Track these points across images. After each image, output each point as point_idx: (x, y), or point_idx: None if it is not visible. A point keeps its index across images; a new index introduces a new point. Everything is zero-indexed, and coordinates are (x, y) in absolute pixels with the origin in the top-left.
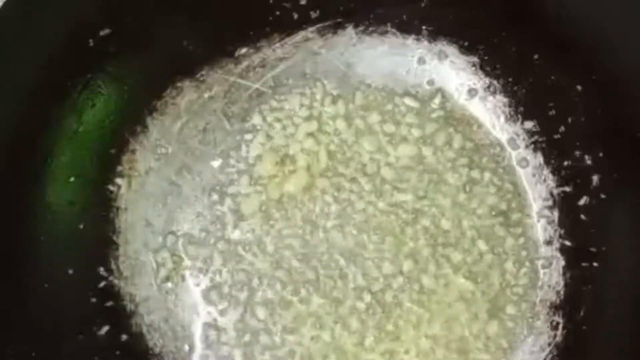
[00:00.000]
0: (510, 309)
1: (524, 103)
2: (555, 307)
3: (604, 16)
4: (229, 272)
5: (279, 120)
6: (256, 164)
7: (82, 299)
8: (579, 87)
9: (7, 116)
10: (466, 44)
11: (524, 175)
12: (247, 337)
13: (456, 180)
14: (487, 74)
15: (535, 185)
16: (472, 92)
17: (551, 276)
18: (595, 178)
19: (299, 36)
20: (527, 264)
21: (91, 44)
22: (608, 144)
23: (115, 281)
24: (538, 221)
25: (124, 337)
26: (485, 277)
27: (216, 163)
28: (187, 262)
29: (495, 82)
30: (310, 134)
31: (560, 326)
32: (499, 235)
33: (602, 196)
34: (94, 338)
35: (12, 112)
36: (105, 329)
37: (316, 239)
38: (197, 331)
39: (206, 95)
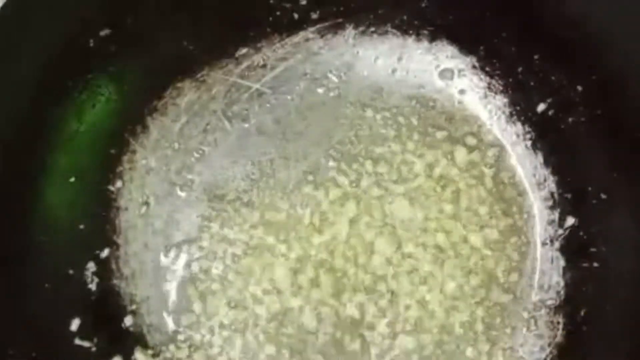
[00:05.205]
0: (510, 309)
1: (524, 103)
2: (555, 307)
3: (605, 16)
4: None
5: None
6: None
7: (82, 299)
8: (579, 87)
9: (8, 116)
10: (466, 44)
11: (524, 175)
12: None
13: (457, 178)
14: (487, 74)
15: (536, 185)
16: (472, 92)
17: (551, 276)
18: (595, 178)
19: (299, 36)
20: (528, 263)
21: (91, 44)
22: (608, 144)
23: (116, 281)
24: (538, 221)
25: (125, 336)
26: (485, 278)
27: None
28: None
29: (495, 82)
30: None
31: (560, 326)
32: (500, 236)
33: (602, 196)
34: (94, 338)
35: (12, 112)
36: (106, 329)
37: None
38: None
39: (206, 95)
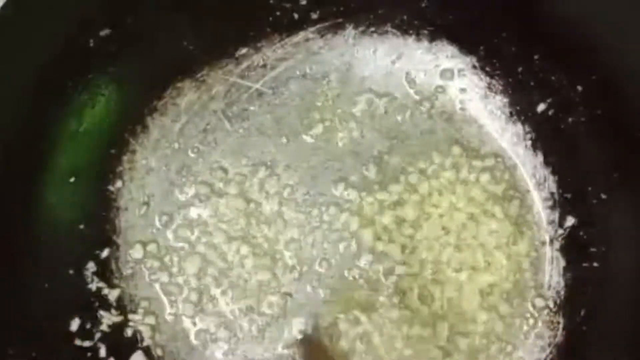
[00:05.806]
0: (511, 309)
1: (524, 103)
2: (555, 307)
3: (604, 16)
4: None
5: None
6: None
7: (82, 299)
8: (579, 87)
9: (8, 116)
10: (466, 44)
11: (525, 176)
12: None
13: (457, 179)
14: (487, 74)
15: (536, 185)
16: (472, 92)
17: (551, 276)
18: (595, 178)
19: (299, 36)
20: (528, 264)
21: (91, 44)
22: (608, 144)
23: (116, 281)
24: (538, 221)
25: (124, 337)
26: (484, 279)
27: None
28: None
29: (495, 82)
30: None
31: (560, 326)
32: (499, 236)
33: (602, 196)
34: (94, 338)
35: (13, 112)
36: (106, 329)
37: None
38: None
39: (206, 95)
